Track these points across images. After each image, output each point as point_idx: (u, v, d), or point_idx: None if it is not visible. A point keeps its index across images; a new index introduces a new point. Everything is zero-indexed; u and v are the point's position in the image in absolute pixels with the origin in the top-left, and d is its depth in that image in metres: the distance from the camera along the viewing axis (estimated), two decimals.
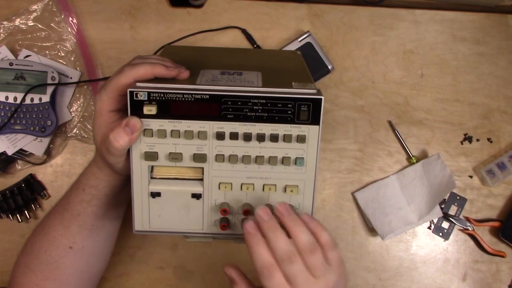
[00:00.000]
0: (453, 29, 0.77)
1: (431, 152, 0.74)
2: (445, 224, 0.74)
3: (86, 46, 0.73)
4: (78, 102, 0.73)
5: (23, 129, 0.69)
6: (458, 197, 0.74)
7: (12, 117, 0.68)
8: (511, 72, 0.76)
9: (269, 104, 0.47)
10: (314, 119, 0.47)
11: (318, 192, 0.73)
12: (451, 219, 0.73)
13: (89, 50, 0.73)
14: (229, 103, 0.47)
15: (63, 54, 0.73)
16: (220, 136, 0.48)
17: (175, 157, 0.49)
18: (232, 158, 0.49)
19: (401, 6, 0.77)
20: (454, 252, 0.74)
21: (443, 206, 0.74)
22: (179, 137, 0.48)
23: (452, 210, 0.74)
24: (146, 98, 0.46)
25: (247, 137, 0.48)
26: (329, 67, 0.73)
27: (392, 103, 0.75)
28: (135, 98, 0.46)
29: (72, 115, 0.72)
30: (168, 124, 0.48)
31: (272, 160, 0.49)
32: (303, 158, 0.49)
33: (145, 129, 0.48)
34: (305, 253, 0.43)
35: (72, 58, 0.73)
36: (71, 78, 0.72)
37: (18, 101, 0.68)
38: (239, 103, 0.47)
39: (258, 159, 0.49)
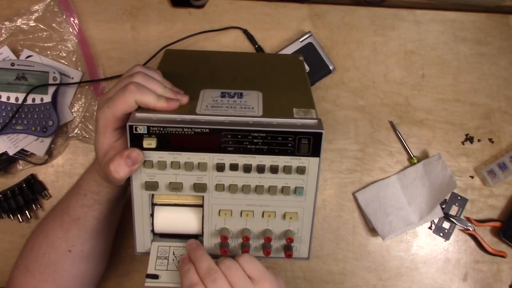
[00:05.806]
0: (454, 29, 0.77)
1: (432, 153, 0.74)
2: (446, 224, 0.74)
3: (88, 46, 0.73)
4: (80, 102, 0.73)
5: (25, 129, 0.69)
6: (459, 197, 0.74)
7: (14, 117, 0.68)
8: None
9: (269, 137, 0.47)
10: (314, 152, 0.47)
11: (319, 192, 0.73)
12: (452, 219, 0.73)
13: (90, 50, 0.73)
14: (229, 136, 0.46)
15: (64, 55, 0.73)
16: (220, 167, 0.48)
17: (175, 186, 0.49)
18: (232, 188, 0.49)
19: (402, 7, 0.77)
20: (455, 252, 0.74)
21: (444, 206, 0.74)
22: (179, 168, 0.48)
23: (453, 210, 0.74)
24: (146, 132, 0.46)
25: (247, 169, 0.48)
26: (330, 68, 0.73)
27: (393, 103, 0.75)
28: (134, 132, 0.46)
29: (74, 115, 0.72)
30: (168, 156, 0.48)
31: (271, 190, 0.49)
32: (303, 188, 0.49)
33: (145, 161, 0.48)
34: (226, 270, 0.46)
35: (74, 59, 0.73)
36: (72, 78, 0.72)
37: (20, 102, 0.68)
38: (239, 136, 0.46)
39: (258, 189, 0.49)
